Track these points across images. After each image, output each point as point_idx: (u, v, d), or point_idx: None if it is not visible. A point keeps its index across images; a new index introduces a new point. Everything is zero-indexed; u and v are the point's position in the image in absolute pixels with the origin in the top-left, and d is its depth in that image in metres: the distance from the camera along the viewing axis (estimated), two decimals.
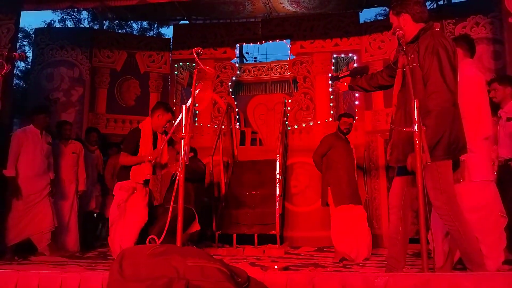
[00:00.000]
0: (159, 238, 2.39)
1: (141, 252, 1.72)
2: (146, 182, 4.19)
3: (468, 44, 3.29)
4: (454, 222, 2.42)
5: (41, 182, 4.83)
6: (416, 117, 2.19)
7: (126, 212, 4.04)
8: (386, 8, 11.39)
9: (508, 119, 3.84)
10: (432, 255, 3.22)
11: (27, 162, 4.76)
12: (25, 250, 4.82)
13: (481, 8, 6.00)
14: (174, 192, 2.42)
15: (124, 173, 4.15)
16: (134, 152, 4.12)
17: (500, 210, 3.23)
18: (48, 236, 4.77)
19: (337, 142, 4.89)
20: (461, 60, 2.77)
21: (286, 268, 3.44)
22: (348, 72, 3.00)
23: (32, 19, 14.37)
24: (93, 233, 6.38)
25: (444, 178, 2.42)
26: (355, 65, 7.17)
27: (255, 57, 17.62)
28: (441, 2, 6.75)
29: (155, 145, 4.16)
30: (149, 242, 2.39)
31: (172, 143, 4.29)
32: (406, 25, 2.58)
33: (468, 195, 2.95)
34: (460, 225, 2.42)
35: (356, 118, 6.95)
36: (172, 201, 2.38)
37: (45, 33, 7.52)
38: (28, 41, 15.98)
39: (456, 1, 6.65)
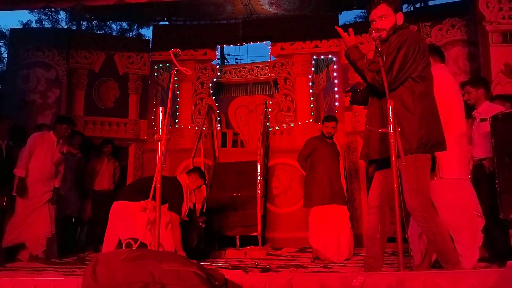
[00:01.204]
0: None
1: (115, 257, 1.69)
2: None
3: (435, 52, 3.40)
4: (428, 224, 2.43)
5: (44, 187, 4.83)
6: (391, 118, 2.22)
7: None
8: (365, 10, 11.52)
9: (482, 120, 3.93)
10: (411, 253, 3.28)
11: (35, 166, 4.78)
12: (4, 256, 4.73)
13: (456, 11, 6.13)
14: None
15: (139, 193, 4.14)
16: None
17: (476, 209, 3.28)
18: (44, 242, 4.76)
19: (321, 144, 4.89)
20: (433, 65, 2.83)
21: (266, 270, 3.44)
22: (349, 88, 3.08)
23: (8, 20, 14.05)
24: (72, 238, 6.25)
25: (421, 176, 2.43)
26: (335, 66, 7.23)
27: (236, 58, 17.60)
28: (418, 5, 6.86)
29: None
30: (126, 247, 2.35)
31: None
32: (399, 24, 2.61)
33: (439, 192, 3.01)
34: (434, 226, 2.43)
35: None
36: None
37: (21, 34, 7.38)
38: (3, 42, 15.59)
39: (432, 3, 6.79)
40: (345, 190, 4.95)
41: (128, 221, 4.10)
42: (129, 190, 4.43)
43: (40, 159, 4.81)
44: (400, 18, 2.60)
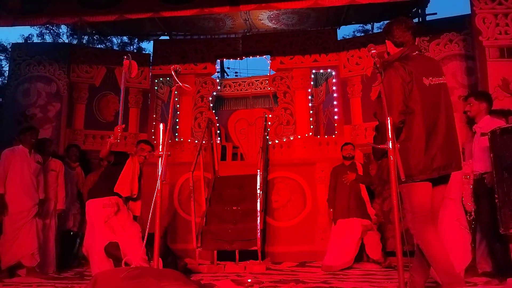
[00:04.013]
0: None
1: (114, 276, 1.68)
2: (127, 199, 4.27)
3: None
4: (418, 240, 2.58)
5: (29, 201, 4.84)
6: (390, 134, 2.24)
7: (120, 228, 4.11)
8: (363, 25, 11.67)
9: (482, 134, 3.94)
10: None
11: (15, 181, 4.80)
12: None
13: (454, 26, 6.19)
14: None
15: (103, 189, 4.24)
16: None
17: (464, 225, 3.64)
18: (37, 256, 4.79)
19: (340, 169, 5.77)
20: None
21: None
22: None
23: (9, 34, 14.17)
24: (70, 253, 6.21)
25: (407, 198, 2.56)
26: (334, 80, 7.28)
27: (236, 72, 17.71)
28: (415, 20, 6.93)
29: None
30: (125, 265, 2.34)
31: None
32: (389, 50, 2.84)
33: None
34: (422, 243, 2.56)
35: (336, 132, 7.05)
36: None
37: (22, 48, 7.41)
38: (5, 56, 15.71)
39: (430, 18, 6.84)
40: (368, 204, 5.57)
41: (98, 220, 4.15)
42: (96, 186, 4.48)
43: (17, 173, 4.83)
44: (388, 46, 2.86)
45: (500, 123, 3.81)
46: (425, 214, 2.59)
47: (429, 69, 2.72)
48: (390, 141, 2.23)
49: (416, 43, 2.91)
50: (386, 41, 2.84)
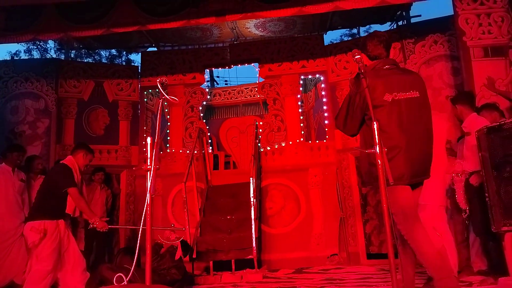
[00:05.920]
0: None
1: None
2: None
3: None
4: (408, 239, 2.65)
5: (15, 219, 4.80)
6: (377, 138, 2.25)
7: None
8: (349, 29, 11.74)
9: (467, 134, 3.99)
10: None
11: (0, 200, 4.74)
12: None
13: (438, 27, 6.26)
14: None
15: (40, 212, 3.92)
16: None
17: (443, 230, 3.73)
18: None
19: None
20: None
21: None
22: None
23: None
24: None
25: (392, 201, 2.59)
26: (323, 85, 7.32)
27: (226, 81, 17.69)
28: (400, 23, 7.01)
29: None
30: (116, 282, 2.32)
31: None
32: (366, 63, 2.85)
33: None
34: (412, 242, 2.63)
35: (327, 137, 7.07)
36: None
37: (9, 65, 7.34)
38: None
39: (415, 21, 6.92)
40: None
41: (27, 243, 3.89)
42: (33, 207, 4.13)
43: (2, 192, 4.80)
44: (364, 58, 2.90)
45: (485, 121, 3.83)
46: (413, 214, 2.69)
47: (398, 84, 2.70)
48: (377, 146, 2.24)
49: (398, 53, 2.98)
50: (361, 54, 2.87)
